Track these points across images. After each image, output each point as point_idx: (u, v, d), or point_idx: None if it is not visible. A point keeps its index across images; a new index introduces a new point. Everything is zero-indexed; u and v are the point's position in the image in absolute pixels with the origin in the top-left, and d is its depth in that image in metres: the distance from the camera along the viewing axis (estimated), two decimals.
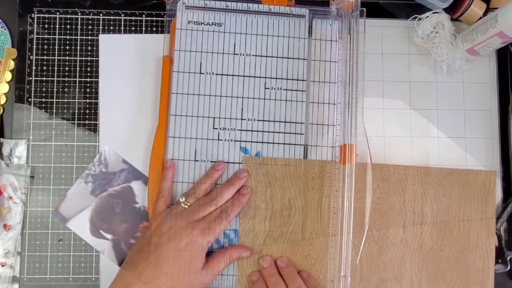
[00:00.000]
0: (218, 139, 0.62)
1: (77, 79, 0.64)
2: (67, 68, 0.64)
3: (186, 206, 0.58)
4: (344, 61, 0.64)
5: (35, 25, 0.64)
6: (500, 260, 0.64)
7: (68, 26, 0.64)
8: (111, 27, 0.65)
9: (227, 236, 0.61)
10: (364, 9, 0.60)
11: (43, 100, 0.63)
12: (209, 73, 0.63)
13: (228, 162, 0.62)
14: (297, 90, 0.64)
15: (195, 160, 0.62)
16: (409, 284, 0.62)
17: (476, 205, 0.63)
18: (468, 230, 0.63)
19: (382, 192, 0.63)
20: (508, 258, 0.64)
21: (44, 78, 0.64)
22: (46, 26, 0.64)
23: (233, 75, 0.63)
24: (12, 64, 0.63)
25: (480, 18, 0.64)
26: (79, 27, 0.65)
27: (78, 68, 0.64)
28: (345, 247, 0.59)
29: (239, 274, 0.60)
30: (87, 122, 0.63)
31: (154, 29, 0.65)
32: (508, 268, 0.64)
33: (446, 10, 0.65)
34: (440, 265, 0.62)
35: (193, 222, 0.57)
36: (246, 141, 0.63)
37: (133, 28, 0.65)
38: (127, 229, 0.62)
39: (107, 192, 0.62)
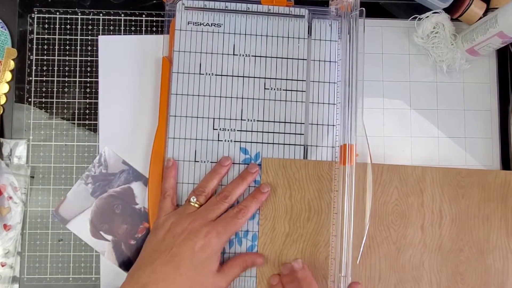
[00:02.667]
0: (218, 140, 0.62)
1: (77, 79, 0.64)
2: (67, 68, 0.64)
3: (197, 206, 0.57)
4: (343, 61, 0.63)
5: (35, 25, 0.64)
6: None
7: (68, 26, 0.64)
8: (111, 27, 0.65)
9: (245, 235, 0.61)
10: (364, 9, 0.60)
11: (43, 100, 0.63)
12: (209, 74, 0.63)
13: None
14: (296, 91, 0.64)
15: (195, 161, 0.62)
16: (428, 284, 0.62)
17: (496, 205, 0.63)
18: (487, 230, 0.63)
19: (400, 193, 0.63)
20: None
21: (44, 78, 0.64)
22: (46, 26, 0.64)
23: (232, 76, 0.63)
24: (12, 64, 0.63)
25: (480, 18, 0.64)
26: (79, 27, 0.64)
27: (78, 68, 0.64)
28: (345, 247, 0.59)
29: (258, 277, 0.61)
30: (87, 122, 0.63)
31: (154, 29, 0.65)
32: None
33: (446, 10, 0.64)
34: (459, 266, 0.62)
35: (209, 222, 0.56)
36: (246, 142, 0.63)
37: (133, 29, 0.65)
38: (127, 230, 0.62)
39: (107, 193, 0.62)
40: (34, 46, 0.64)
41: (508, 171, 0.64)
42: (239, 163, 0.62)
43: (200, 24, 0.63)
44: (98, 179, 0.62)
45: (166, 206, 0.58)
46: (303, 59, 0.64)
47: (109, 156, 0.62)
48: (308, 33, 0.64)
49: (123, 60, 0.64)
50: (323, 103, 0.64)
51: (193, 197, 0.58)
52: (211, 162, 0.62)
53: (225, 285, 0.56)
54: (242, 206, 0.58)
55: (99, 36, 0.64)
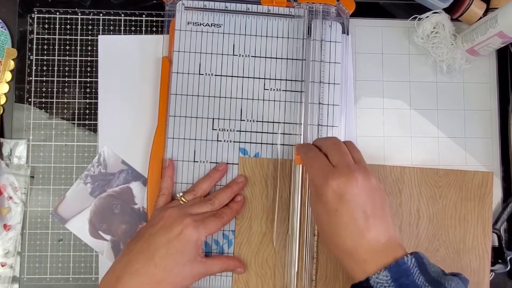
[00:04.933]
0: (217, 140, 0.62)
1: (77, 79, 0.64)
2: (67, 68, 0.64)
3: (182, 202, 0.57)
4: (343, 61, 0.64)
5: (35, 25, 0.64)
6: (500, 260, 0.64)
7: (68, 26, 0.64)
8: (111, 27, 0.65)
9: (225, 237, 0.61)
10: (363, 9, 0.60)
11: (43, 100, 0.63)
12: (208, 74, 0.63)
13: (227, 163, 0.62)
14: (296, 91, 0.63)
15: (194, 161, 0.62)
16: None
17: (473, 205, 0.63)
18: (464, 231, 0.63)
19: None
20: (508, 258, 0.64)
21: (44, 78, 0.64)
22: (46, 26, 0.64)
23: (232, 76, 0.63)
24: (12, 64, 0.63)
25: (480, 18, 0.64)
26: (79, 27, 0.65)
27: (78, 68, 0.64)
28: (296, 247, 0.59)
29: (235, 277, 0.61)
30: (87, 122, 0.63)
31: (154, 29, 0.65)
32: (508, 268, 0.64)
33: (446, 10, 0.64)
34: None
35: (188, 214, 0.55)
36: (245, 142, 0.63)
37: (133, 29, 0.65)
38: (126, 230, 0.62)
39: (106, 193, 0.62)
40: (34, 46, 0.64)
41: (486, 172, 0.64)
42: (237, 164, 0.62)
43: (200, 24, 0.63)
44: (97, 178, 0.62)
45: (158, 204, 0.58)
46: (303, 60, 0.64)
47: (108, 156, 0.62)
48: (308, 34, 0.64)
49: (123, 60, 0.64)
50: (323, 104, 0.64)
51: (181, 193, 0.58)
52: (210, 162, 0.62)
53: (202, 273, 0.55)
54: (221, 212, 0.58)
55: (99, 36, 0.64)
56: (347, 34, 0.65)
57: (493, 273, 0.64)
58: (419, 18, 0.65)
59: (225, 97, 0.63)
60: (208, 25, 0.63)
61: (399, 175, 0.63)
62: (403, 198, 0.63)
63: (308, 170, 0.53)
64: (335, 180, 0.48)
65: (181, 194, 0.58)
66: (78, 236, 0.62)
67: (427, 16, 0.64)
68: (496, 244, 0.65)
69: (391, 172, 0.63)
